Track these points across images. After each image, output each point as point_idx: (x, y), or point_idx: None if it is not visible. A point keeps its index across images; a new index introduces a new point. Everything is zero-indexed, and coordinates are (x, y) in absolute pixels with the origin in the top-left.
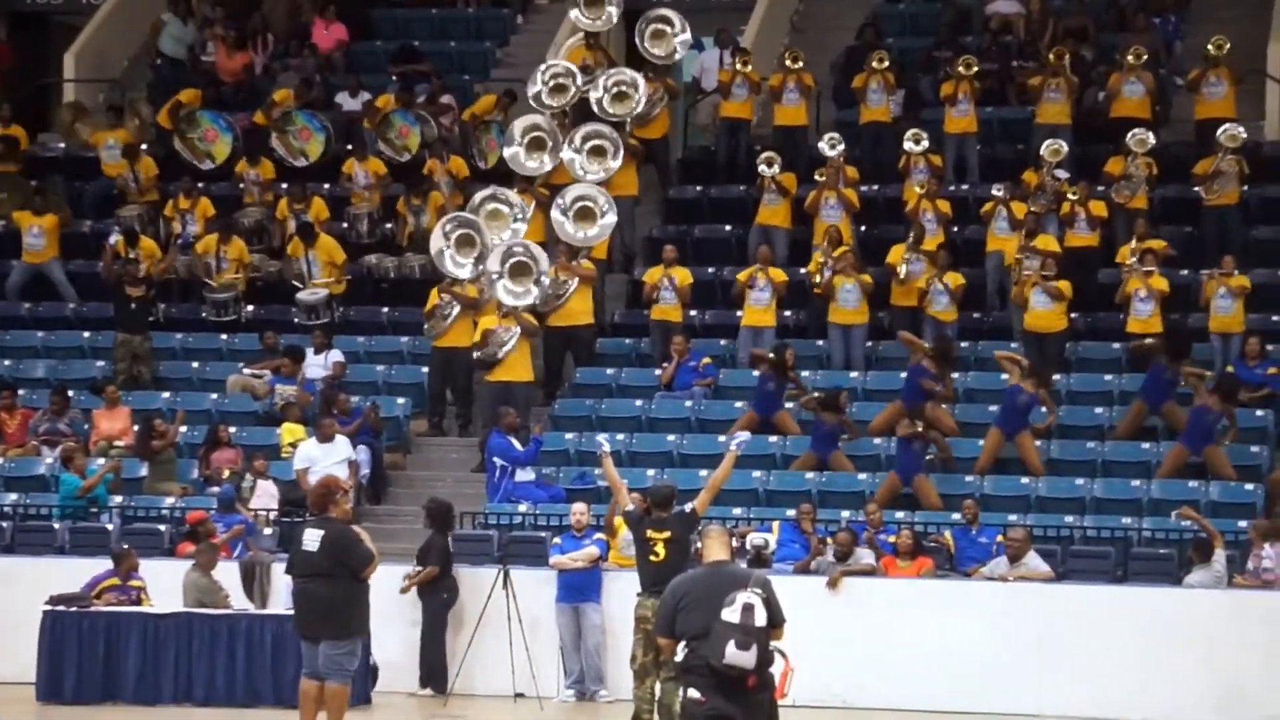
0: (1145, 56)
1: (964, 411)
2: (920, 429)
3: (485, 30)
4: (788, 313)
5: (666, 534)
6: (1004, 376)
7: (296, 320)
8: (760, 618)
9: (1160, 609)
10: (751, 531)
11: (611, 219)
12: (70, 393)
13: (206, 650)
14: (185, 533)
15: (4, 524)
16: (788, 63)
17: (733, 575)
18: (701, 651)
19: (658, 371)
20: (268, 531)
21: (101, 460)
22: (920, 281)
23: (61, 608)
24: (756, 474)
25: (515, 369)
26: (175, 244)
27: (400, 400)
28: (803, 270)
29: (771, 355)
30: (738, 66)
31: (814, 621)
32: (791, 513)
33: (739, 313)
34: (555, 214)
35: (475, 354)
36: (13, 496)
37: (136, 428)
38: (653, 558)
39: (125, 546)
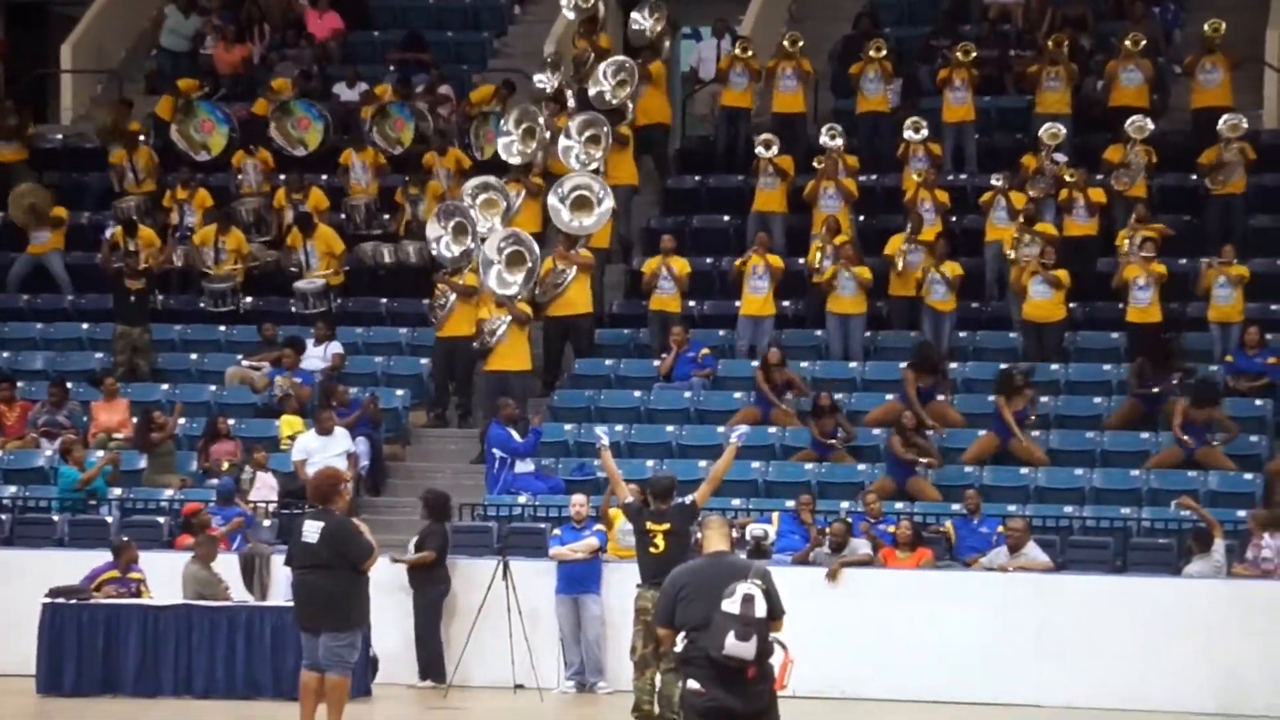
0: (1144, 44)
1: (963, 401)
2: (911, 443)
3: (482, 20)
4: (786, 303)
5: (666, 526)
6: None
7: (295, 310)
8: (760, 609)
9: (1160, 599)
10: (751, 522)
11: (609, 206)
12: (69, 385)
13: (206, 642)
14: (181, 525)
15: (3, 516)
16: (786, 45)
17: (732, 566)
18: (701, 643)
19: (656, 362)
20: (267, 523)
21: (100, 453)
22: (918, 272)
23: (61, 600)
24: (756, 465)
25: (511, 358)
26: (174, 235)
27: (399, 392)
28: (801, 260)
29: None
30: (737, 54)
31: (814, 613)
32: (791, 504)
33: (737, 303)
34: (552, 201)
35: (474, 344)
36: (12, 489)
37: (135, 420)
38: (652, 549)
39: (125, 539)
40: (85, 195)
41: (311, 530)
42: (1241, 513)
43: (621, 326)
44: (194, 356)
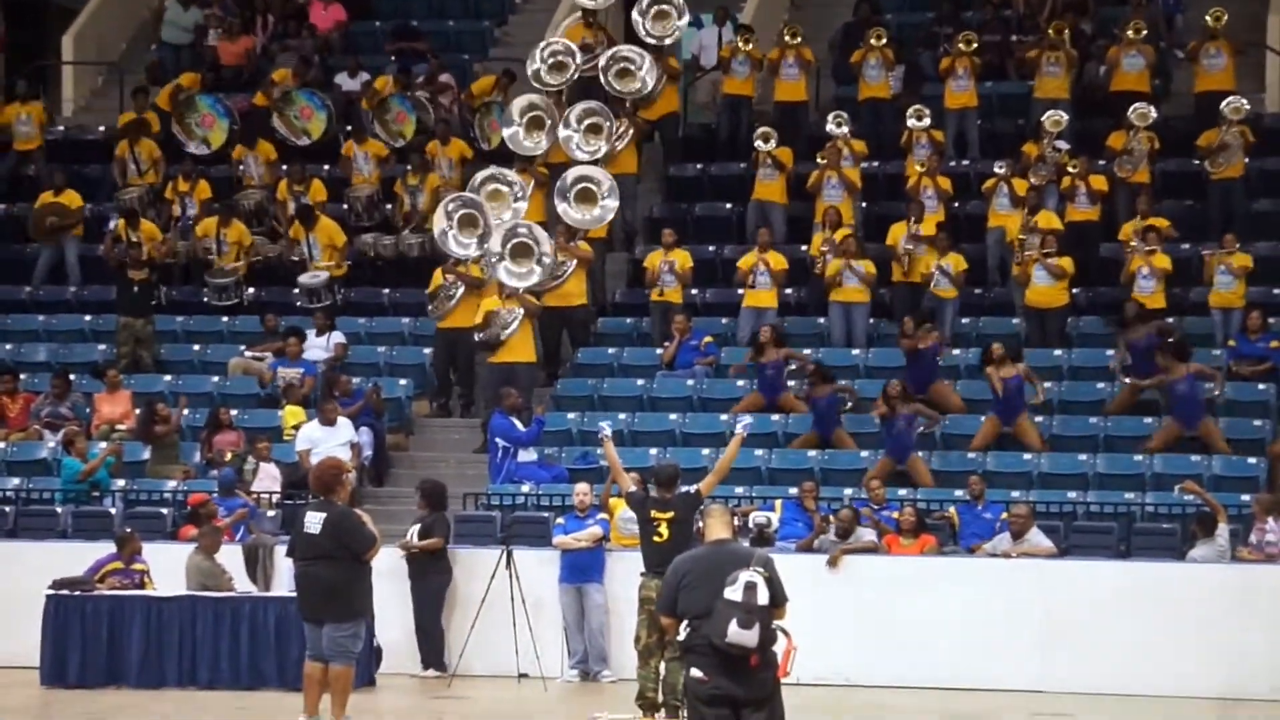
0: (1145, 30)
1: (965, 388)
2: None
3: (484, 9)
4: (789, 290)
5: (670, 514)
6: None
7: (298, 303)
8: (763, 596)
9: (1164, 584)
10: (754, 510)
11: (613, 203)
12: (72, 377)
13: (210, 633)
14: (186, 515)
15: (7, 508)
16: (787, 37)
17: (735, 554)
18: (704, 630)
19: (659, 351)
20: (270, 514)
21: (103, 444)
22: (921, 265)
23: (65, 592)
24: (759, 452)
25: (518, 350)
26: (175, 226)
27: (402, 382)
28: (803, 248)
29: (760, 342)
30: (739, 43)
31: (817, 600)
32: (794, 491)
33: (740, 291)
34: (556, 195)
35: (477, 336)
36: (15, 481)
37: (138, 411)
38: (656, 538)
39: (128, 530)
40: (87, 187)
41: (314, 521)
42: (1245, 497)
43: (624, 315)
44: (196, 347)
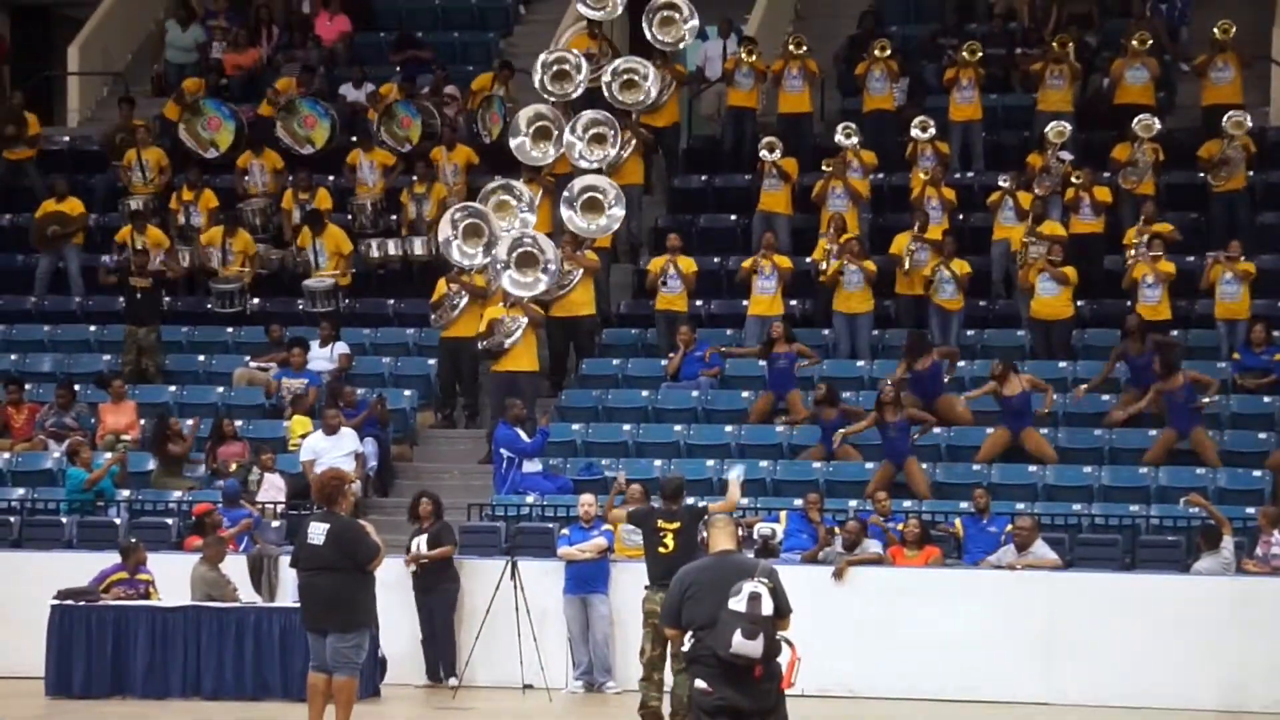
0: (1150, 43)
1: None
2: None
3: (488, 20)
4: (794, 302)
5: (676, 525)
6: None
7: (303, 310)
8: (767, 607)
9: (1168, 596)
10: (759, 521)
11: (620, 212)
12: (77, 387)
13: (215, 644)
14: (192, 525)
15: (11, 518)
16: (791, 48)
17: (739, 565)
18: (708, 641)
19: (664, 362)
20: (275, 524)
21: (108, 455)
22: (926, 270)
23: (70, 602)
24: (764, 464)
25: (520, 359)
26: (177, 235)
27: (407, 392)
28: (808, 259)
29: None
30: (743, 55)
31: (821, 611)
32: (799, 502)
33: (745, 302)
34: (563, 204)
35: (481, 344)
36: (20, 491)
37: (143, 422)
38: (662, 549)
39: (133, 540)
40: (92, 197)
41: (317, 532)
42: (1250, 509)
43: (629, 326)
44: (201, 358)
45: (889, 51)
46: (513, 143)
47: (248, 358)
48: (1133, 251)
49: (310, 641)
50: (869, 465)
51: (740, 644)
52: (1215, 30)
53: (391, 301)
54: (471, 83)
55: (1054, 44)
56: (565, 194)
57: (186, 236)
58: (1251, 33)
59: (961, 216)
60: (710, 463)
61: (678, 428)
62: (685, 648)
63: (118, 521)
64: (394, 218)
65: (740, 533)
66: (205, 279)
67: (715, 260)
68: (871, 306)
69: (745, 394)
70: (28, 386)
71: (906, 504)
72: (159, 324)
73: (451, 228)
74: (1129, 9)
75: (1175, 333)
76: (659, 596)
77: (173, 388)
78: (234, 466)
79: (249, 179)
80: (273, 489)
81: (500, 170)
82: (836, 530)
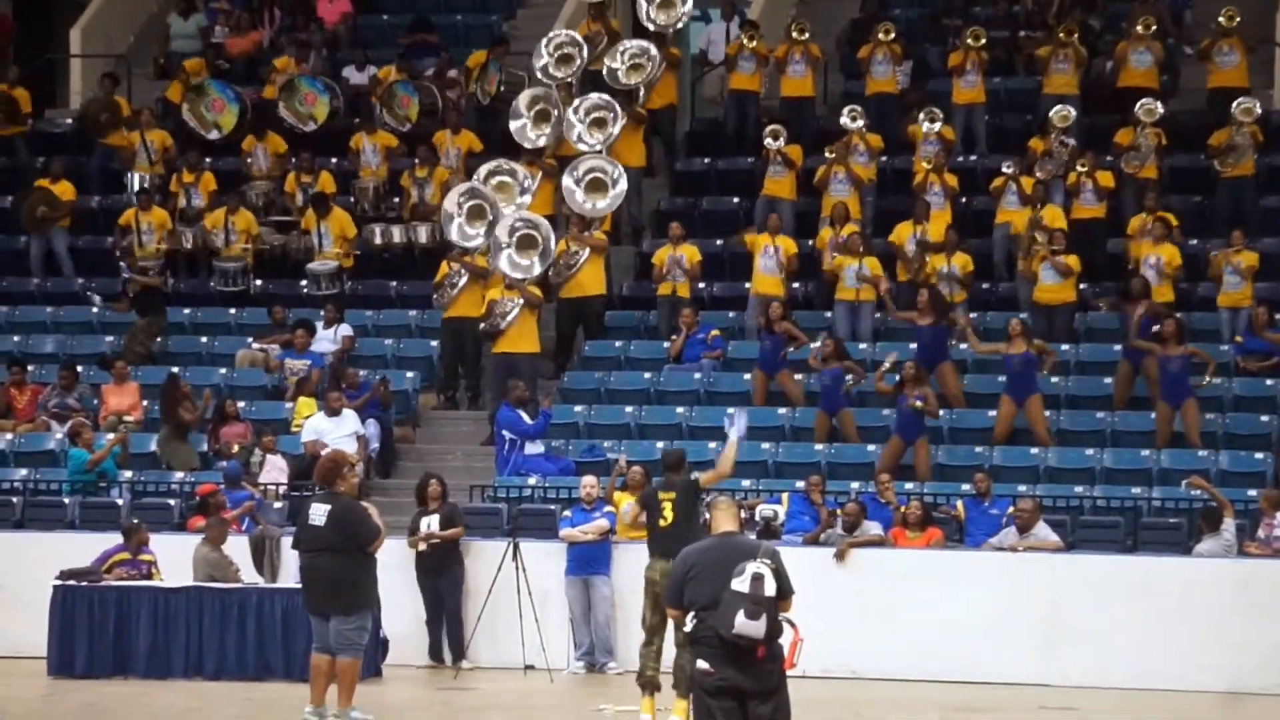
0: (1154, 26)
1: (973, 381)
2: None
3: (492, 3)
4: (796, 284)
5: (673, 495)
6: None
7: (306, 292)
8: (769, 588)
9: (1170, 578)
10: (761, 503)
11: (623, 188)
12: (79, 368)
13: (217, 624)
14: (196, 505)
15: (14, 499)
16: (794, 33)
17: (741, 546)
18: (710, 622)
19: (666, 344)
20: (277, 505)
21: (110, 435)
22: (928, 269)
23: (72, 582)
24: (766, 446)
25: (520, 341)
26: (177, 218)
27: (409, 374)
28: (810, 242)
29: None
30: (744, 40)
31: (823, 592)
32: (801, 484)
33: (747, 284)
34: (567, 182)
35: (481, 325)
36: (22, 472)
37: (145, 403)
38: (662, 521)
39: (135, 521)
40: (93, 180)
41: (318, 513)
42: (1252, 491)
43: (631, 308)
44: (204, 339)
45: (892, 35)
46: (513, 125)
47: (250, 339)
48: (1139, 237)
49: (313, 622)
50: (870, 447)
51: (743, 625)
52: (1221, 16)
53: (394, 283)
54: (468, 61)
55: (1061, 34)
56: (570, 174)
57: (187, 218)
58: (1256, 16)
59: (964, 199)
60: (712, 445)
61: (680, 410)
62: (688, 628)
63: (120, 502)
64: (396, 200)
65: (742, 515)
66: (208, 259)
67: (718, 243)
68: (873, 295)
69: (747, 376)
70: (30, 368)
71: (909, 486)
72: (162, 317)
73: (457, 208)
74: None
75: (1178, 315)
76: (660, 565)
77: (175, 369)
78: (236, 448)
79: (252, 162)
80: (275, 470)
81: (504, 155)
82: (838, 512)
